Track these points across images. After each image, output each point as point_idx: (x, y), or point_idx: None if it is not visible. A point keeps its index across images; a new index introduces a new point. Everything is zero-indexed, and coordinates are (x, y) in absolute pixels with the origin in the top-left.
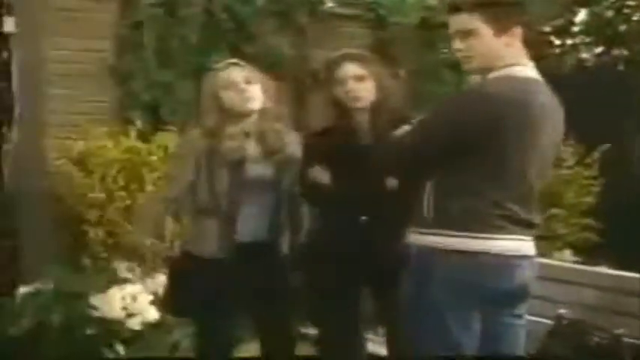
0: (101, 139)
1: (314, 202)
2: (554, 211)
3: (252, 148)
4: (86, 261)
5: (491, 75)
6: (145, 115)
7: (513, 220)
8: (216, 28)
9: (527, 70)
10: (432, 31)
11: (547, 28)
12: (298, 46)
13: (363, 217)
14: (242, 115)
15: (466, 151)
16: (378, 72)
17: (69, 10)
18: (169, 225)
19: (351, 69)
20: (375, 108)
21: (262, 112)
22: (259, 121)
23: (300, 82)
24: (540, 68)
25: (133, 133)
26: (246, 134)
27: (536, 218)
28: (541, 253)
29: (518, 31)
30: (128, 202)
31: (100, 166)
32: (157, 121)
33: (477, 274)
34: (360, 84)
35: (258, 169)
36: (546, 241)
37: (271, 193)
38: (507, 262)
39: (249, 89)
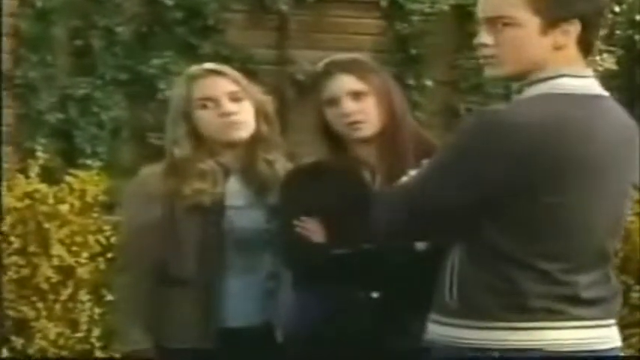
0: None
1: (302, 271)
2: None
3: (234, 187)
4: None
5: (528, 91)
6: (52, 144)
7: (576, 298)
8: (159, 18)
9: (585, 82)
10: (468, 22)
11: None
12: (277, 45)
13: (374, 294)
14: (225, 145)
15: (496, 204)
16: (382, 85)
17: None
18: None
19: (345, 83)
20: (383, 137)
21: (253, 139)
22: (247, 152)
23: (279, 96)
24: None
25: (34, 171)
26: (226, 171)
27: (607, 291)
28: None
29: (574, 28)
30: (25, 272)
31: None
32: (69, 154)
33: None
34: (359, 103)
35: (245, 219)
36: None
37: (267, 252)
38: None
39: (236, 109)
